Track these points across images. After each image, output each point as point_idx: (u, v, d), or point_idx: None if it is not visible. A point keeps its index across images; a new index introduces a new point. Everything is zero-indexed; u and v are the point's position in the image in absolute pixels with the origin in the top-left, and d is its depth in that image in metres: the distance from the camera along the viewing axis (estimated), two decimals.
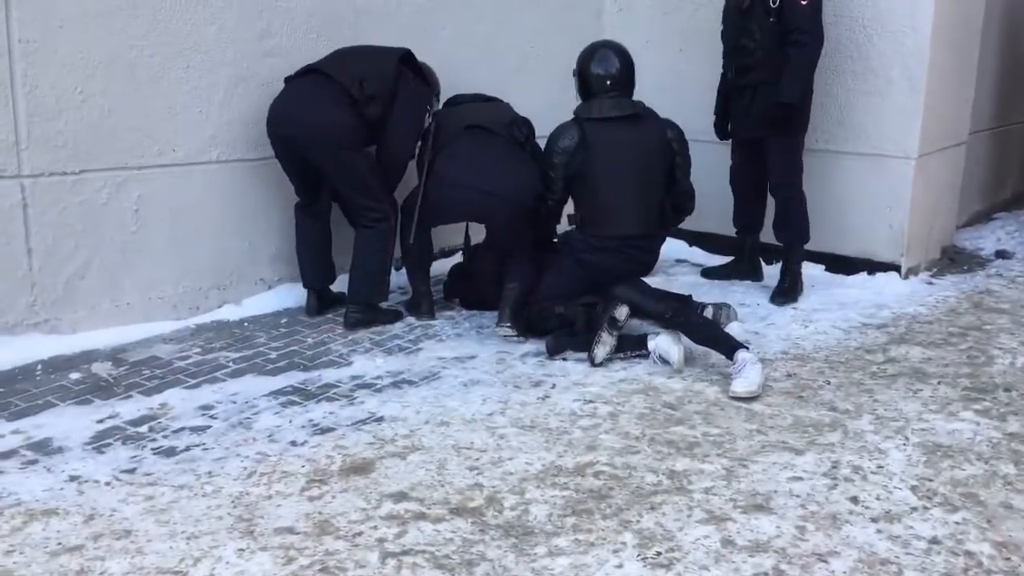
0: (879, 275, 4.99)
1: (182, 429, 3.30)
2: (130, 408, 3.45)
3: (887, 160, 4.87)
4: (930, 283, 5.07)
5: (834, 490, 2.86)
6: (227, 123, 4.38)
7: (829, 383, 3.70)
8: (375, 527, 2.64)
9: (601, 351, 3.88)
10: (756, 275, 5.09)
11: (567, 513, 2.72)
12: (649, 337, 3.91)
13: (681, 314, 3.95)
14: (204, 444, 3.18)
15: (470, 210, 4.33)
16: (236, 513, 2.72)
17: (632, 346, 3.94)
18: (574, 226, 4.19)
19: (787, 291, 4.72)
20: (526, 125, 4.36)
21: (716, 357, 3.89)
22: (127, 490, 2.86)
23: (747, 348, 3.73)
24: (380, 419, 3.38)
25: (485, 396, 3.60)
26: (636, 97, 4.22)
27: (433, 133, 4.28)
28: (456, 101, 4.52)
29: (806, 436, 3.24)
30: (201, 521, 2.67)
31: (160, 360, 3.93)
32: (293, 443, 3.19)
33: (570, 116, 4.24)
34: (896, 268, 4.98)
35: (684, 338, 3.89)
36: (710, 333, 3.86)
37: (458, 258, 5.04)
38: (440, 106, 4.58)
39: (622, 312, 3.90)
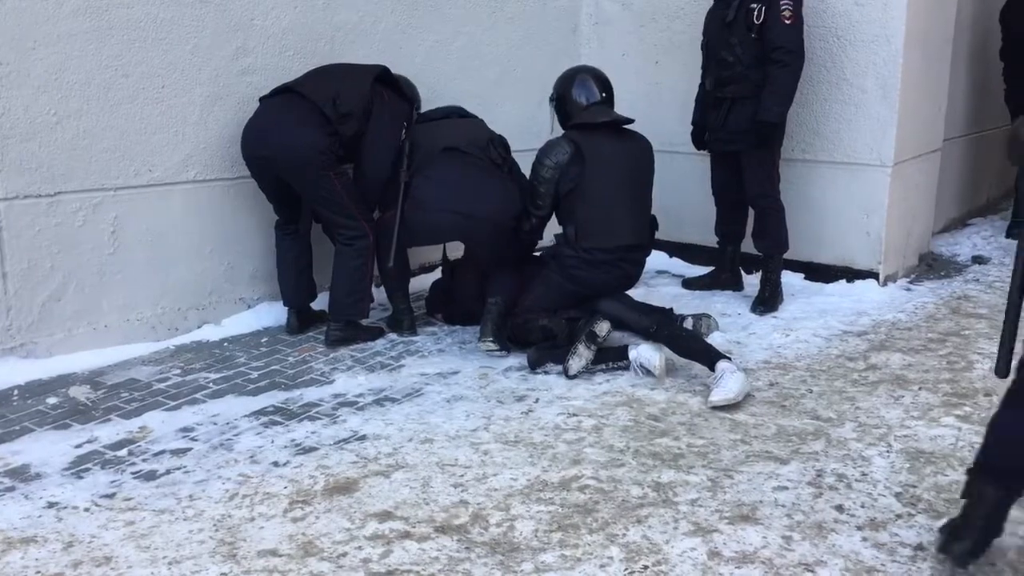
0: (858, 283, 5.02)
1: (162, 452, 3.26)
2: (109, 432, 3.41)
3: (863, 168, 4.90)
4: (908, 289, 5.10)
5: (819, 499, 2.86)
6: (204, 142, 4.36)
7: (811, 391, 3.71)
8: (359, 547, 2.61)
9: (576, 363, 3.87)
10: (737, 285, 5.10)
11: (553, 528, 2.71)
12: (630, 347, 3.92)
13: (665, 327, 3.95)
14: (185, 467, 3.15)
15: (450, 233, 4.33)
16: (218, 536, 2.68)
17: (613, 357, 3.94)
18: (563, 241, 4.16)
19: (767, 300, 4.74)
20: (502, 145, 4.36)
21: (699, 368, 3.89)
22: (107, 515, 2.82)
23: (728, 358, 3.73)
24: (363, 437, 3.36)
25: (468, 412, 3.58)
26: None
27: (408, 153, 4.26)
28: (429, 118, 4.50)
29: (790, 445, 3.24)
30: (183, 545, 2.64)
31: (139, 382, 3.89)
32: (275, 464, 3.16)
33: (547, 129, 4.25)
34: (874, 275, 5.02)
35: (666, 348, 3.89)
36: (693, 346, 3.86)
37: (438, 274, 5.03)
38: (416, 115, 4.56)
39: (603, 328, 3.90)
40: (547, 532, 2.69)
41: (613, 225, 4.10)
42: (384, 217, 4.31)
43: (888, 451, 3.17)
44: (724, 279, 5.10)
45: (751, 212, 4.93)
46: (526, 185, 4.26)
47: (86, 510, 2.85)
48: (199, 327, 4.46)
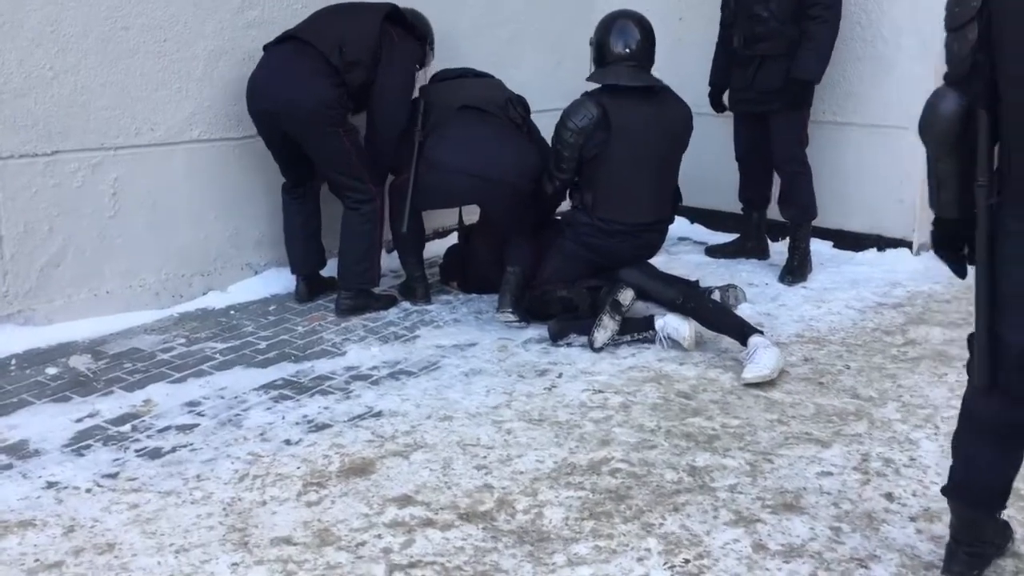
0: (889, 251, 4.82)
1: (167, 428, 3.09)
2: (111, 405, 3.24)
3: (897, 131, 4.66)
4: None
5: (867, 486, 2.69)
6: (208, 100, 4.14)
7: (849, 367, 3.53)
8: (379, 536, 2.45)
9: (602, 335, 3.69)
10: (763, 253, 4.90)
11: (584, 516, 2.54)
12: (656, 317, 3.73)
13: (692, 299, 3.75)
14: (192, 444, 2.98)
15: (466, 196, 4.13)
16: (228, 522, 2.52)
17: (638, 328, 3.75)
18: (579, 206, 3.96)
19: (796, 270, 4.54)
20: (522, 104, 4.13)
21: (728, 341, 3.72)
22: (109, 497, 2.65)
23: (760, 332, 3.55)
24: (379, 414, 3.19)
25: (488, 387, 3.40)
26: None
27: (423, 112, 4.03)
28: (445, 76, 4.26)
29: (831, 426, 3.06)
30: (191, 531, 2.48)
31: (142, 352, 3.71)
32: (287, 442, 2.99)
33: (564, 89, 4.03)
34: (907, 244, 4.81)
35: (693, 320, 3.70)
36: (722, 319, 3.68)
37: (453, 239, 4.83)
38: (432, 55, 4.32)
39: (627, 296, 3.71)
40: (578, 520, 2.52)
41: (632, 201, 3.86)
42: (398, 180, 4.10)
43: (936, 434, 3.00)
44: (749, 247, 4.89)
45: (776, 177, 4.72)
46: (546, 147, 4.04)
47: (87, 491, 2.69)
48: (204, 294, 4.27)
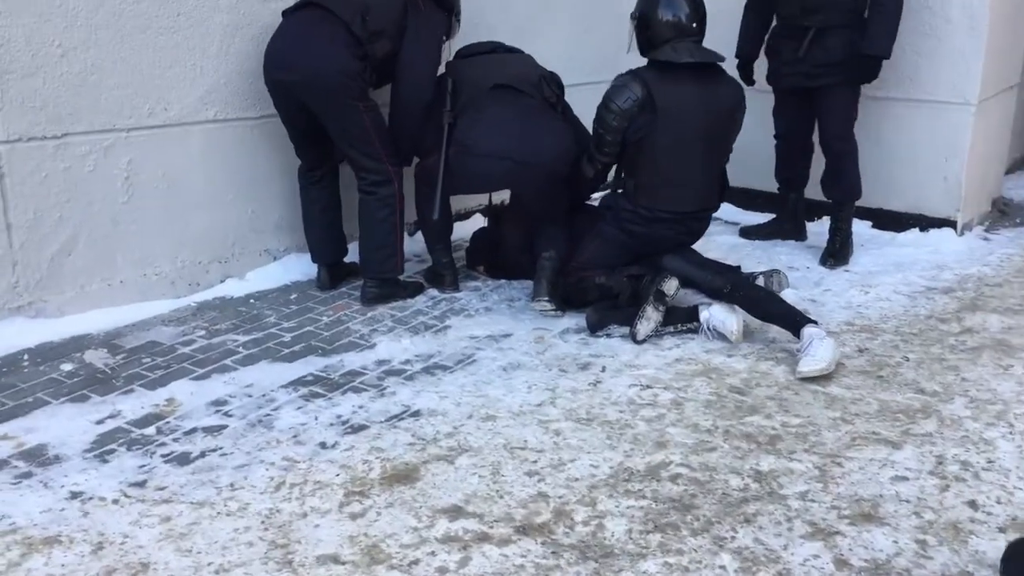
0: (933, 232, 4.64)
1: (194, 430, 2.91)
2: (132, 405, 3.07)
3: (943, 107, 4.48)
4: (986, 239, 4.71)
5: (946, 492, 2.52)
6: (224, 77, 3.92)
7: (908, 359, 3.36)
8: (432, 553, 2.28)
9: (645, 327, 3.51)
10: (800, 234, 4.71)
11: (649, 528, 2.37)
12: (701, 308, 3.55)
13: (741, 288, 3.57)
14: (221, 448, 2.81)
15: (502, 181, 3.92)
16: (269, 537, 2.35)
17: (682, 318, 3.57)
18: (619, 191, 3.77)
19: (838, 252, 4.36)
20: (556, 82, 3.92)
21: (776, 330, 3.55)
22: (139, 509, 2.48)
23: (814, 323, 3.37)
24: (416, 413, 3.01)
25: (529, 382, 3.23)
26: None
27: (451, 91, 3.80)
28: (472, 52, 4.03)
29: (898, 425, 2.90)
30: (229, 548, 2.31)
31: (161, 346, 3.53)
32: (323, 445, 2.82)
33: (593, 62, 3.80)
34: (951, 224, 4.63)
35: (741, 310, 3.52)
36: (772, 308, 3.49)
37: (475, 221, 4.64)
38: (459, 27, 4.07)
39: (671, 286, 3.52)
40: (643, 533, 2.35)
41: (677, 189, 3.63)
42: (426, 163, 3.89)
43: (1011, 432, 2.83)
44: (786, 229, 4.70)
45: (814, 156, 4.52)
46: (581, 128, 3.84)
47: (115, 502, 2.52)
48: (222, 281, 4.08)
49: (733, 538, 2.33)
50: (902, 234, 4.69)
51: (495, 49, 4.03)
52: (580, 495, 2.52)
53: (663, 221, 3.67)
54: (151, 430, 2.91)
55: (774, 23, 4.41)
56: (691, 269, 3.66)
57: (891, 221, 4.73)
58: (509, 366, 3.37)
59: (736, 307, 3.51)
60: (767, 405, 3.04)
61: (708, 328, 3.51)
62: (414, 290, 4.05)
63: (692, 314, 3.55)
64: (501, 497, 2.52)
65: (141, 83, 3.68)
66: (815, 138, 4.49)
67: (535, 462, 2.70)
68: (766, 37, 4.46)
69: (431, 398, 3.12)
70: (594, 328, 3.63)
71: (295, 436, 2.87)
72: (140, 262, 3.82)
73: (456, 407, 3.05)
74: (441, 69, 3.95)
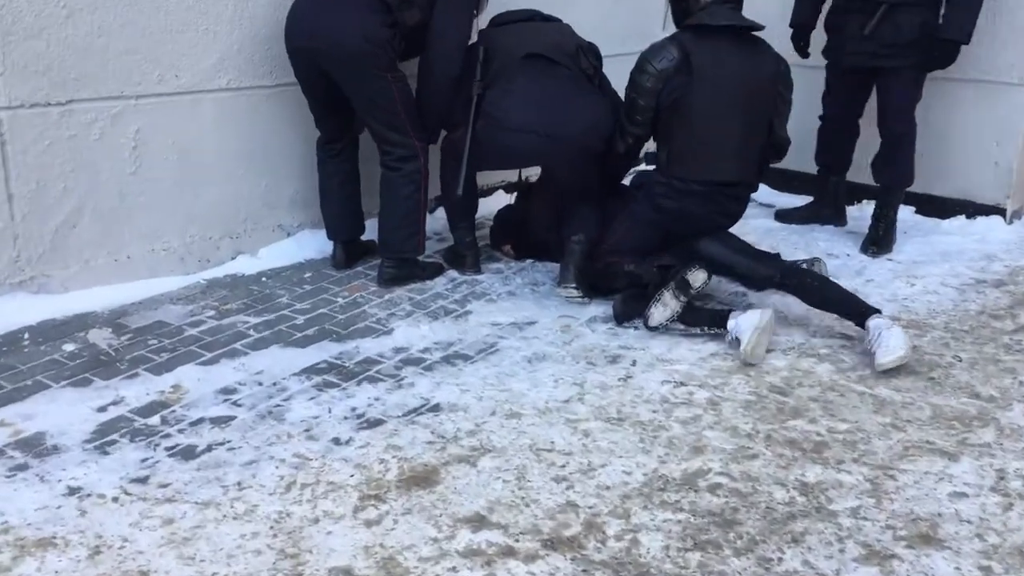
0: (980, 219, 4.41)
1: (201, 421, 2.74)
2: (137, 391, 2.90)
3: (1000, 88, 4.22)
4: None
5: (1010, 512, 2.33)
6: (238, 43, 3.71)
7: (960, 359, 3.16)
8: (454, 569, 2.11)
9: (659, 313, 3.28)
10: (840, 219, 4.49)
11: (688, 546, 2.19)
12: (731, 316, 3.23)
13: (792, 275, 3.34)
14: (229, 442, 2.63)
15: (532, 157, 3.71)
16: (278, 544, 2.18)
17: (710, 322, 3.29)
18: (652, 166, 3.55)
19: (881, 240, 4.14)
20: (594, 53, 3.69)
21: (817, 324, 3.35)
22: (140, 508, 2.32)
23: (878, 311, 3.17)
24: (436, 408, 2.83)
25: (556, 376, 3.04)
26: None
27: (482, 60, 3.58)
28: (507, 19, 3.80)
29: (953, 434, 2.70)
30: (235, 557, 2.14)
31: (168, 326, 3.35)
32: (336, 441, 2.65)
33: (622, 32, 3.61)
34: (1000, 211, 4.39)
35: (766, 327, 3.17)
36: (832, 295, 3.28)
37: (498, 199, 4.43)
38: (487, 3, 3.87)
39: (698, 278, 3.27)
40: (681, 551, 2.17)
41: (713, 156, 3.40)
42: (452, 137, 3.68)
43: None
44: (826, 214, 4.47)
45: (863, 138, 4.28)
46: (620, 103, 3.62)
47: (114, 500, 2.36)
48: (233, 258, 3.90)
49: (780, 559, 2.14)
50: (947, 221, 4.47)
51: (532, 17, 3.80)
52: (612, 505, 2.34)
53: (696, 195, 3.43)
54: (155, 419, 2.75)
55: None
56: (732, 255, 3.45)
57: (936, 207, 4.50)
58: (534, 357, 3.18)
59: (763, 325, 3.15)
60: (811, 408, 2.84)
61: (733, 338, 3.21)
62: (433, 271, 3.86)
63: (721, 320, 3.26)
64: (527, 506, 2.34)
65: (150, 48, 3.47)
66: (862, 120, 4.24)
67: (563, 466, 2.52)
68: (826, 8, 4.17)
69: (451, 391, 2.93)
70: (621, 319, 3.43)
71: (307, 430, 2.70)
72: (148, 236, 3.64)
73: (478, 402, 2.87)
74: (472, 39, 3.73)
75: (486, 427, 2.72)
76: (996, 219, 4.38)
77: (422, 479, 2.46)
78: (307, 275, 3.87)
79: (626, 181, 4.04)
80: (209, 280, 3.76)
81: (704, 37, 3.37)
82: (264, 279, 3.81)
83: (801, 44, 4.26)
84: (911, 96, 3.99)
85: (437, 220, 4.36)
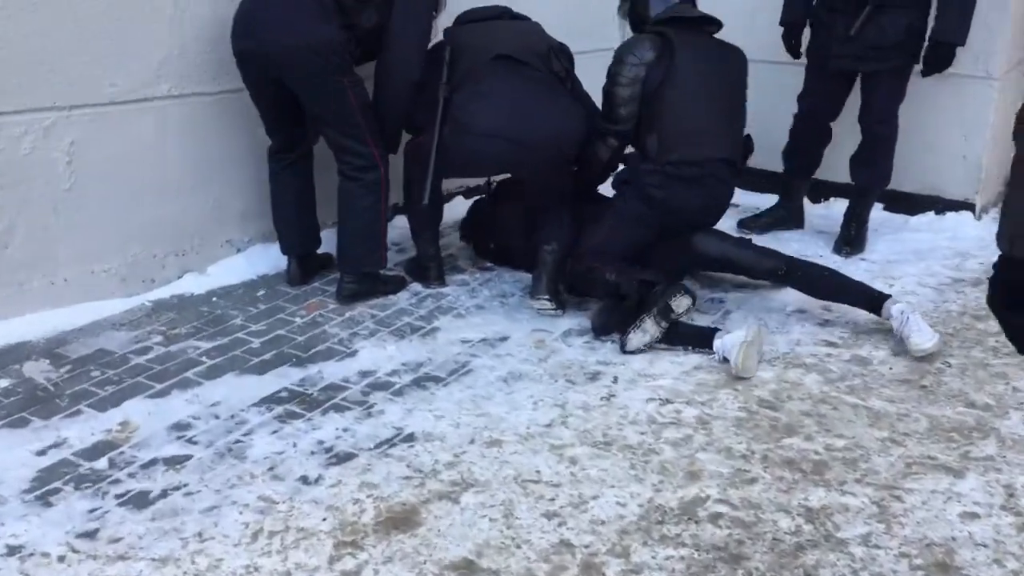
0: (949, 215, 4.33)
1: (153, 462, 2.52)
2: (80, 430, 2.66)
3: (965, 81, 4.14)
4: None
5: None
6: (179, 47, 3.46)
7: (950, 365, 3.06)
8: None
9: (637, 339, 3.11)
10: (800, 222, 4.36)
11: None
12: (717, 336, 3.08)
13: (797, 267, 3.29)
14: (186, 486, 2.41)
15: (502, 164, 3.52)
16: None
17: (695, 342, 3.13)
18: (635, 164, 3.43)
19: (854, 240, 4.04)
20: (565, 55, 3.51)
21: (800, 330, 3.24)
22: (89, 568, 2.10)
23: (891, 297, 3.17)
24: (410, 438, 2.64)
25: (535, 397, 2.87)
26: None
27: (448, 61, 3.39)
28: (474, 17, 3.60)
29: (954, 447, 2.59)
30: None
31: (112, 355, 3.10)
32: (304, 480, 2.44)
33: (591, 31, 3.53)
34: (969, 207, 4.32)
35: (756, 332, 3.04)
36: (842, 284, 3.27)
37: (459, 204, 4.24)
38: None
39: (682, 304, 3.11)
40: None
41: (702, 135, 3.35)
42: (416, 142, 3.47)
43: None
44: (786, 218, 4.33)
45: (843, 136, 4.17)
46: (593, 106, 3.47)
47: (60, 559, 2.14)
48: (180, 277, 3.65)
49: None
50: (916, 217, 4.38)
51: (500, 15, 3.60)
52: (610, 543, 2.18)
53: (687, 181, 3.32)
54: (102, 463, 2.51)
55: None
56: (732, 249, 3.34)
57: (905, 203, 4.41)
58: (509, 376, 3.01)
59: (751, 338, 3.00)
60: (804, 423, 2.71)
61: (720, 359, 3.06)
62: (396, 285, 3.65)
63: (706, 340, 3.10)
64: (518, 547, 2.17)
65: (85, 54, 3.21)
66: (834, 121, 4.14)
67: (552, 499, 2.35)
68: (814, 4, 4.04)
69: (425, 418, 2.74)
70: (599, 332, 3.27)
71: (271, 469, 2.49)
72: (86, 257, 3.37)
73: (455, 429, 2.68)
74: (434, 39, 3.53)
75: (466, 458, 2.54)
76: (966, 215, 4.31)
77: (401, 520, 2.27)
78: (261, 293, 3.63)
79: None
80: (154, 302, 3.50)
81: (679, 30, 3.34)
82: (214, 299, 3.57)
83: (792, 43, 4.12)
84: (895, 98, 3.89)
85: (395, 229, 4.14)
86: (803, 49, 4.12)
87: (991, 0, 4.04)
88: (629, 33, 3.55)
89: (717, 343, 3.04)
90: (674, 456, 2.55)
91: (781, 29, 4.13)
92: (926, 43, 3.84)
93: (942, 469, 2.48)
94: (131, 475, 2.46)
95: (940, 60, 3.80)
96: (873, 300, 3.18)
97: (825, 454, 2.55)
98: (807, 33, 4.09)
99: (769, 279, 3.32)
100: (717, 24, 3.47)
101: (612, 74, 3.37)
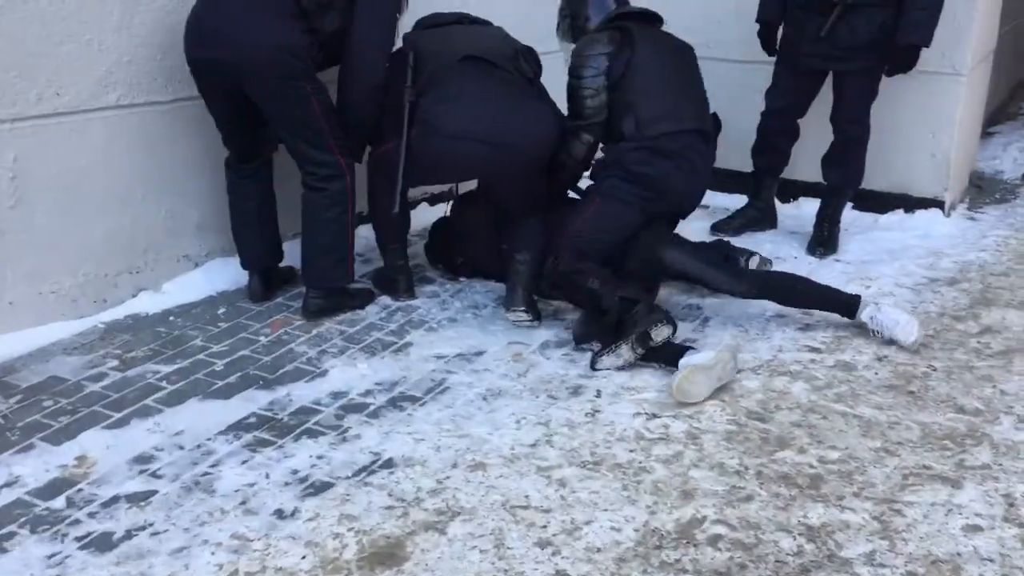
0: (919, 213, 4.31)
1: (115, 500, 2.36)
2: (34, 466, 2.49)
3: (932, 78, 4.11)
4: (972, 219, 4.41)
5: None
6: (128, 53, 3.28)
7: (935, 369, 3.01)
8: None
9: (609, 361, 3.01)
10: (772, 222, 4.31)
11: None
12: (687, 354, 2.94)
13: (767, 286, 3.25)
14: (152, 525, 2.26)
15: (474, 169, 3.40)
16: None
17: (666, 359, 2.99)
18: (619, 140, 3.35)
19: (827, 240, 4.00)
20: (533, 57, 3.40)
21: (780, 338, 3.18)
22: None
23: (859, 298, 3.22)
24: (389, 464, 2.51)
25: (517, 415, 2.76)
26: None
27: (412, 65, 3.25)
28: (435, 22, 3.47)
29: (949, 455, 2.53)
30: None
31: (64, 383, 2.93)
32: (280, 514, 2.30)
33: (547, 32, 3.55)
34: (938, 204, 4.30)
35: (721, 362, 2.88)
36: (814, 293, 3.26)
37: (425, 211, 4.11)
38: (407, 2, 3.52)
39: (661, 333, 3.00)
40: None
41: (677, 108, 3.35)
42: (383, 149, 3.32)
43: None
44: (758, 219, 4.27)
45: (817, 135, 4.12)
46: (558, 109, 3.37)
47: None
48: (134, 296, 3.47)
49: None
50: (885, 216, 4.35)
51: (460, 20, 3.48)
52: (608, 572, 2.08)
53: (670, 155, 3.28)
54: (60, 502, 2.35)
55: None
56: (703, 268, 3.25)
57: (874, 202, 4.38)
58: (489, 393, 2.89)
59: (708, 364, 2.85)
60: (796, 435, 2.64)
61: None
62: (364, 299, 3.51)
63: (675, 357, 2.95)
64: None
65: (25, 63, 3.02)
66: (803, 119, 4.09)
67: (544, 527, 2.24)
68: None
69: (404, 442, 2.62)
70: (579, 340, 3.17)
71: (243, 503, 2.35)
72: (34, 277, 3.18)
73: (436, 453, 2.56)
74: (397, 44, 3.39)
75: (450, 483, 2.42)
76: (935, 212, 4.29)
77: (386, 555, 2.14)
78: (221, 311, 3.47)
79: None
80: (108, 323, 3.33)
81: (631, 23, 3.39)
82: (172, 318, 3.40)
83: (769, 41, 4.04)
84: (867, 97, 3.85)
85: (360, 239, 3.99)
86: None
87: None
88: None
89: (682, 361, 2.90)
90: (666, 474, 2.45)
91: (747, 28, 4.05)
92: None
93: (939, 479, 2.42)
94: (92, 515, 2.30)
95: (905, 62, 3.76)
96: (847, 307, 3.21)
97: (820, 467, 2.48)
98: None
99: (738, 296, 3.25)
100: (660, 19, 3.51)
101: (575, 68, 3.32)
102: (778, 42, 4.02)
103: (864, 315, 3.16)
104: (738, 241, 4.07)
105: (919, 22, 3.63)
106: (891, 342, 3.13)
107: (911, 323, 3.12)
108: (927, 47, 3.72)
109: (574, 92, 3.33)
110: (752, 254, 3.66)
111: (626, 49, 3.30)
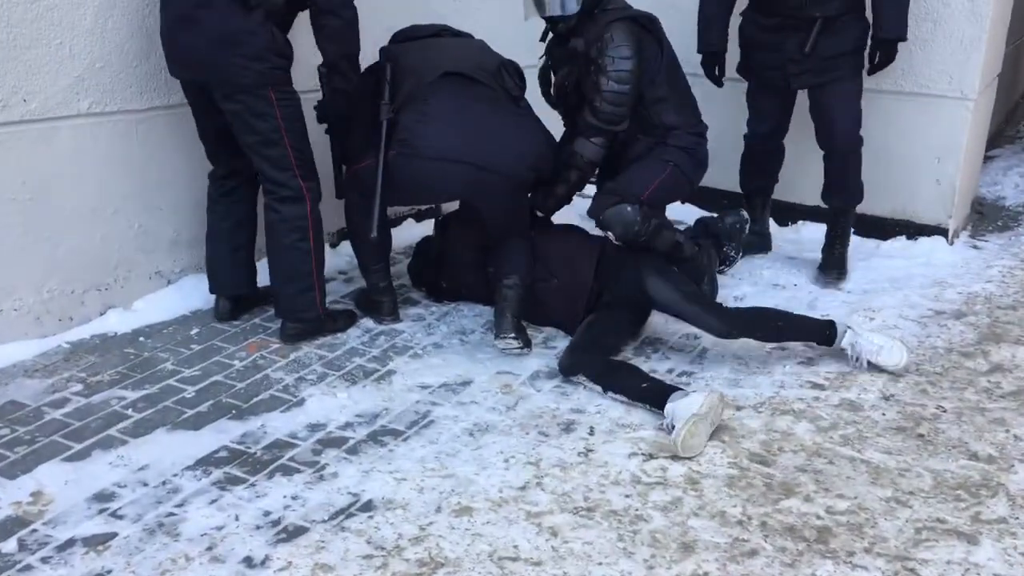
0: (921, 240, 4.16)
1: (71, 543, 2.19)
2: None
3: (938, 101, 3.98)
4: (976, 247, 4.27)
5: None
6: (101, 59, 3.11)
7: (945, 410, 2.86)
8: None
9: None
10: (765, 245, 4.17)
11: None
12: (671, 400, 2.74)
13: (747, 326, 3.08)
14: (110, 572, 2.09)
15: (457, 190, 3.24)
16: None
17: (652, 401, 2.81)
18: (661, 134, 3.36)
19: (838, 261, 3.85)
20: (518, 73, 3.22)
21: (781, 373, 3.04)
22: None
23: (834, 324, 3.13)
24: (369, 506, 2.35)
25: (505, 453, 2.60)
26: None
27: (390, 79, 3.08)
28: (414, 35, 3.28)
29: (963, 507, 2.38)
30: None
31: (23, 408, 2.75)
32: (249, 562, 2.13)
33: (530, 48, 3.56)
34: (942, 231, 4.16)
35: (713, 404, 2.70)
36: (790, 329, 3.14)
37: (410, 228, 3.94)
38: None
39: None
40: None
41: (696, 106, 3.48)
42: (359, 168, 3.14)
43: None
44: (752, 242, 4.12)
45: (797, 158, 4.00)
46: (544, 127, 3.24)
47: None
48: (102, 314, 3.30)
49: None
50: (888, 242, 4.21)
51: (440, 32, 3.30)
52: None
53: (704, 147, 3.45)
54: (11, 544, 2.18)
55: (748, 10, 3.79)
56: (683, 304, 3.11)
57: (876, 227, 4.23)
58: (475, 428, 2.73)
59: (704, 412, 2.64)
60: (801, 481, 2.48)
61: (667, 424, 2.72)
62: (345, 322, 3.34)
63: (660, 401, 2.78)
64: None
65: None
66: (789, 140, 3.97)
67: None
68: (739, 26, 3.84)
69: (384, 481, 2.45)
70: (567, 372, 3.01)
71: (210, 548, 2.18)
72: None
73: (418, 495, 2.40)
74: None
75: (433, 530, 2.25)
76: (938, 240, 4.15)
77: None
78: (194, 331, 3.29)
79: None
80: (73, 343, 3.15)
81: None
82: (142, 339, 3.22)
83: (716, 74, 3.91)
84: (855, 111, 3.71)
85: (342, 257, 3.85)
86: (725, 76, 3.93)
87: (967, 16, 3.89)
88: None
89: (669, 406, 2.72)
90: (665, 524, 2.30)
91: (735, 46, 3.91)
92: (868, 43, 3.70)
93: (954, 535, 2.27)
94: (45, 560, 2.13)
95: (886, 58, 3.66)
96: (825, 335, 3.11)
97: (828, 518, 2.33)
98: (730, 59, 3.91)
99: (720, 336, 3.10)
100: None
101: (617, 67, 3.19)
102: (739, 68, 3.88)
103: (845, 342, 3.08)
104: (735, 267, 3.94)
105: (892, 17, 3.58)
106: (875, 367, 3.05)
107: (894, 347, 3.04)
108: (904, 40, 3.65)
109: (614, 95, 3.21)
110: (736, 211, 3.87)
111: (652, 44, 3.29)
